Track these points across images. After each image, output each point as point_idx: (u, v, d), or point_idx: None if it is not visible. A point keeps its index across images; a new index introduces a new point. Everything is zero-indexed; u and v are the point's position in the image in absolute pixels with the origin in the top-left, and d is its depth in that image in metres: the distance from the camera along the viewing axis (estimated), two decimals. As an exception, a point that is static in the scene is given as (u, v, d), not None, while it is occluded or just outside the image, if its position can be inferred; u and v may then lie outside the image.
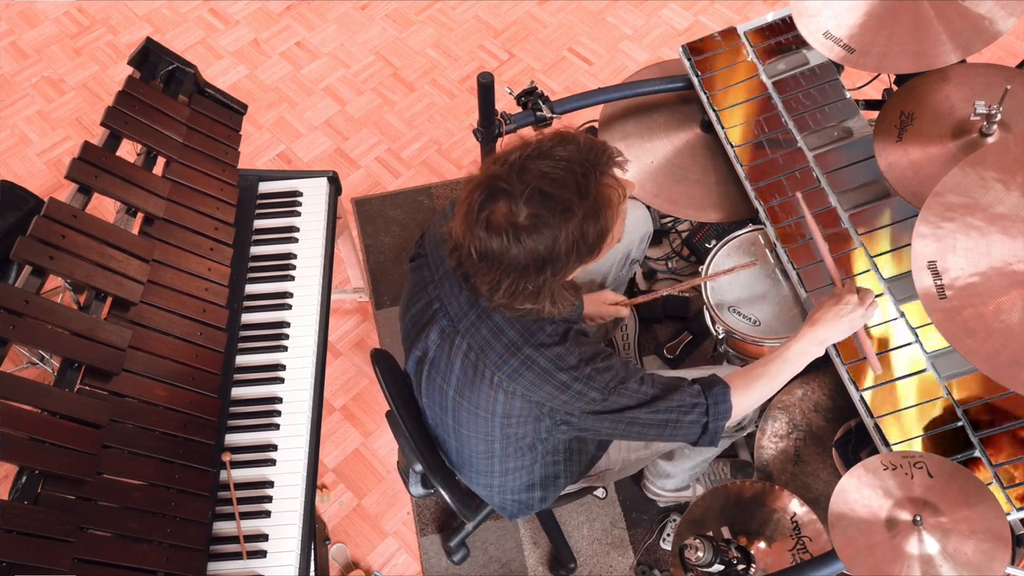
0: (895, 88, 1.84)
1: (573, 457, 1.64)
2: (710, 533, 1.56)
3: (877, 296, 1.60)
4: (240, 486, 1.63)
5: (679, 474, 2.02)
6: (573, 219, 1.18)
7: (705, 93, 1.96)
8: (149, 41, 1.88)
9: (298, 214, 2.00)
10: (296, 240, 1.96)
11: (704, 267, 1.84)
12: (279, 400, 1.74)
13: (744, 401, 1.45)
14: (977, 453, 1.46)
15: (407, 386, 1.64)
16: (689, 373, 1.79)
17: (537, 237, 1.18)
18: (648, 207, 2.02)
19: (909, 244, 1.46)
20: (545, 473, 1.61)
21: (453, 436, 1.52)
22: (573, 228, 1.19)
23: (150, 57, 1.88)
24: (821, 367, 1.67)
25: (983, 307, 1.32)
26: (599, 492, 2.21)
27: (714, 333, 1.85)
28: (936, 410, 1.51)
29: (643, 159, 1.98)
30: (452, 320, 1.37)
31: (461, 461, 1.59)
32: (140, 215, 1.74)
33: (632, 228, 1.96)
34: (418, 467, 1.61)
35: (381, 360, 1.66)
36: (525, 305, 1.26)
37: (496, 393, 1.35)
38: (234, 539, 1.58)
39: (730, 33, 2.01)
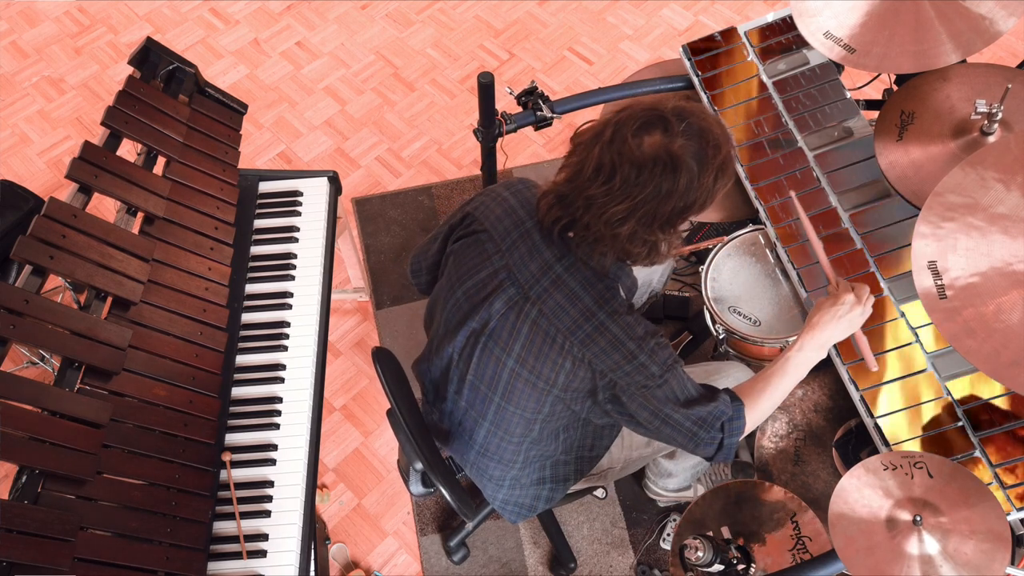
0: (895, 88, 1.84)
1: (585, 454, 1.64)
2: (710, 533, 1.56)
3: (877, 296, 1.60)
4: (240, 486, 1.63)
5: (681, 473, 2.02)
6: (719, 156, 1.25)
7: (705, 93, 1.96)
8: (149, 41, 1.88)
9: (298, 214, 2.00)
10: (296, 240, 1.96)
11: (704, 267, 1.84)
12: (279, 400, 1.74)
13: (752, 417, 1.46)
14: (977, 453, 1.46)
15: (408, 384, 1.64)
16: (693, 370, 1.79)
17: (688, 169, 1.23)
18: None
19: (909, 244, 1.46)
20: (555, 472, 1.62)
21: (491, 417, 1.51)
22: (714, 169, 1.25)
23: (150, 57, 1.88)
24: (821, 367, 1.66)
25: (983, 307, 1.32)
26: (599, 492, 2.21)
27: (714, 333, 1.85)
28: (936, 410, 1.51)
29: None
30: (522, 288, 1.38)
31: (486, 448, 1.57)
32: (140, 215, 1.74)
33: None
34: (418, 465, 1.61)
35: (382, 358, 1.66)
36: (655, 235, 1.30)
37: (564, 360, 1.36)
38: (234, 539, 1.58)
39: (730, 33, 2.01)
